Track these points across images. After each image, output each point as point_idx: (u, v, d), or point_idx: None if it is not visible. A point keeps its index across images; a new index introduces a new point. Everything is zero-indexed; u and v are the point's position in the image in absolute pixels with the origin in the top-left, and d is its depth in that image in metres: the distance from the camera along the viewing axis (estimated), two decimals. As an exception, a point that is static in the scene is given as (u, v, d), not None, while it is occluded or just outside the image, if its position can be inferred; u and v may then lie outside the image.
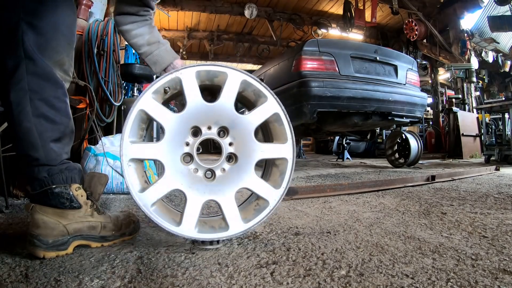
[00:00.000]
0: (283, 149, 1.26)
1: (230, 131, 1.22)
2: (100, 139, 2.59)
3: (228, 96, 1.21)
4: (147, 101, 1.18)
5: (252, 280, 0.90)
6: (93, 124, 2.76)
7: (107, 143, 2.57)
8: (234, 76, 1.22)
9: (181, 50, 10.70)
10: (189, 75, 1.19)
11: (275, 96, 1.25)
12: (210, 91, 1.29)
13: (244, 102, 1.37)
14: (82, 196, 1.19)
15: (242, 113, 1.22)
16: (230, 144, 1.23)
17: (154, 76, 3.50)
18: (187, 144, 1.20)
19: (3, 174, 1.85)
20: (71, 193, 1.15)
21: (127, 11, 1.39)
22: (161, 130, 1.24)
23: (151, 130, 3.06)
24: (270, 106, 1.24)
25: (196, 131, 1.22)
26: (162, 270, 0.98)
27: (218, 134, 1.23)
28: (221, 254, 1.12)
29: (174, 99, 1.41)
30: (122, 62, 3.88)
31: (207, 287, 0.87)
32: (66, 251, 1.12)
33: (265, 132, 1.40)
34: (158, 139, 2.36)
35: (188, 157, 1.22)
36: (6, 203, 1.81)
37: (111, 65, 3.10)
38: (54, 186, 1.13)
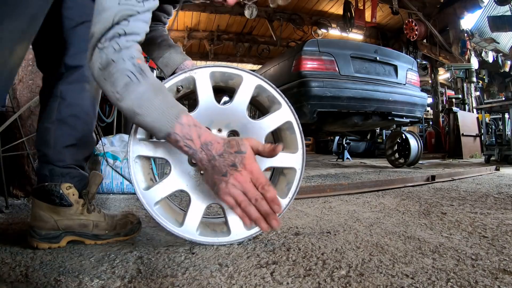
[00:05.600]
0: (293, 159, 1.23)
1: (241, 135, 1.20)
2: (100, 139, 2.59)
3: (241, 100, 1.19)
4: None
5: (252, 280, 0.90)
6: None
7: (107, 143, 2.57)
8: (249, 80, 1.19)
9: (181, 50, 10.69)
10: (203, 75, 1.17)
11: (289, 104, 1.22)
12: (224, 93, 1.28)
13: (258, 107, 1.35)
14: (73, 195, 1.22)
15: (254, 118, 1.21)
16: None
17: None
18: None
19: (3, 174, 1.85)
20: (61, 191, 1.19)
21: None
22: None
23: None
24: (283, 114, 1.22)
25: None
26: (162, 270, 0.98)
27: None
28: (221, 254, 1.12)
29: (187, 99, 1.40)
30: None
31: (207, 287, 0.87)
32: (58, 244, 1.18)
33: (277, 139, 1.37)
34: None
35: None
36: (6, 203, 1.81)
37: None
38: (46, 184, 1.19)
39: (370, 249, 1.14)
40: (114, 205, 2.03)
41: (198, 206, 1.18)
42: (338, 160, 7.23)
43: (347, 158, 7.32)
